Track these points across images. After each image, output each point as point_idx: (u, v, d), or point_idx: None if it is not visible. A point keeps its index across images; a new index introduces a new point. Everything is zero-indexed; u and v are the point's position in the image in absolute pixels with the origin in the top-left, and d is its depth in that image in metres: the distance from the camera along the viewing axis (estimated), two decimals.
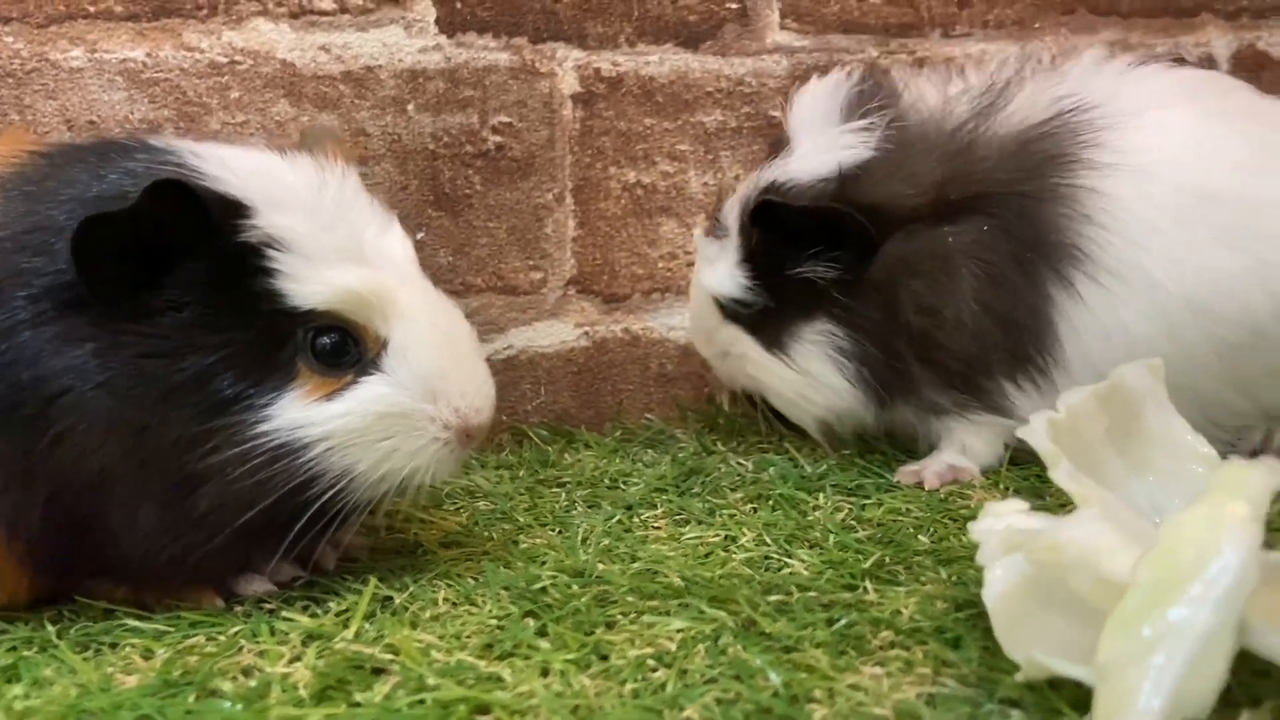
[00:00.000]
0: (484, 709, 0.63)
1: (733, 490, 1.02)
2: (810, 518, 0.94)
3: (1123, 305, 0.98)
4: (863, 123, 1.02)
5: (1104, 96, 1.03)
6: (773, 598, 0.76)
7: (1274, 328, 0.98)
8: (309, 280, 0.73)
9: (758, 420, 1.24)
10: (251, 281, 0.73)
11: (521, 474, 1.10)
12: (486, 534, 0.93)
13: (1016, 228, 1.00)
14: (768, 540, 0.89)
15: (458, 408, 0.78)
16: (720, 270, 1.07)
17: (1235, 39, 1.42)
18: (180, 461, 0.73)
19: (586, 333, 1.23)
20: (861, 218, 0.99)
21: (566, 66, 1.18)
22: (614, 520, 0.95)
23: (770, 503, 0.98)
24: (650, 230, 1.23)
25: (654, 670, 0.67)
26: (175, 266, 0.72)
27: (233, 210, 0.72)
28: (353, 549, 0.88)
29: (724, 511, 0.96)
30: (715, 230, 1.09)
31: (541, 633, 0.73)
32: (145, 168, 0.74)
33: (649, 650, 0.70)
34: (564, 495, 1.03)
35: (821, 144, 1.03)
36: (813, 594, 0.77)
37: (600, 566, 0.84)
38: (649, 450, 1.17)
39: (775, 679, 0.64)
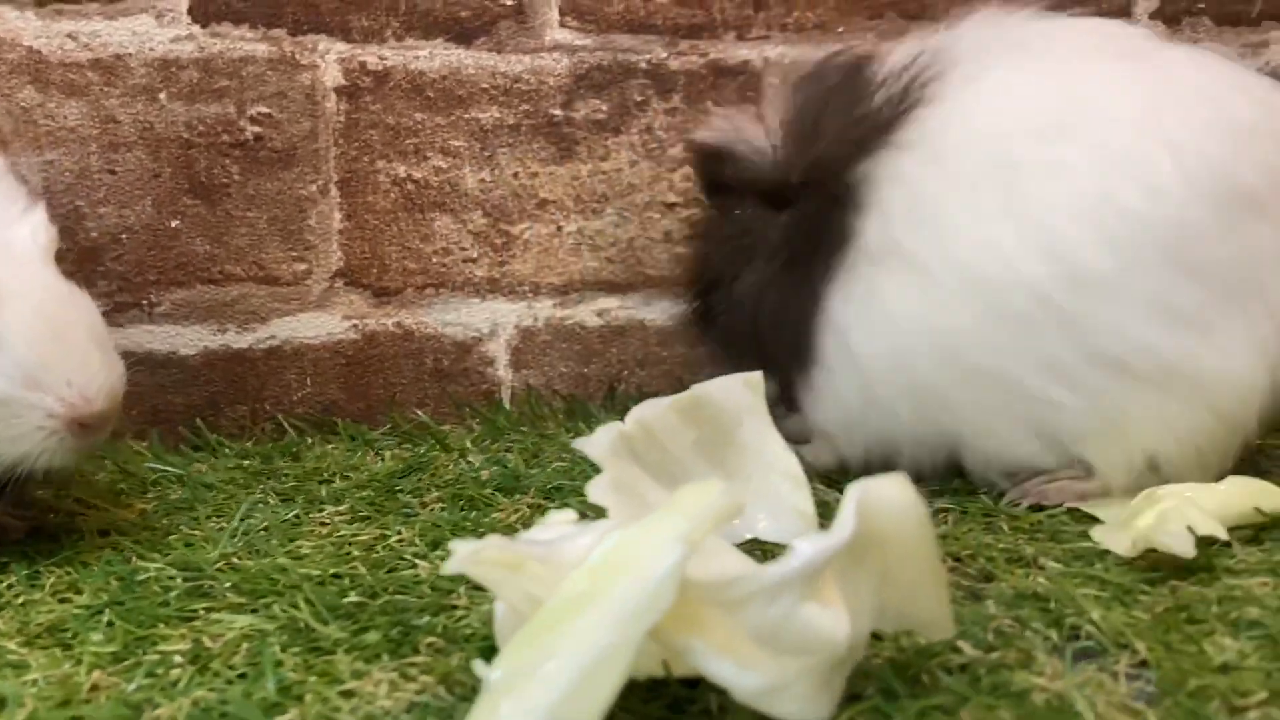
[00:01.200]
0: None
1: (436, 489, 1.02)
2: (488, 519, 0.94)
3: (895, 295, 0.93)
4: None
5: (960, 57, 0.96)
6: (352, 598, 0.76)
7: (1062, 298, 0.88)
8: None
9: (533, 418, 1.25)
10: None
11: (255, 464, 1.10)
12: (156, 524, 0.93)
13: (815, 216, 0.97)
14: (418, 541, 0.88)
15: (63, 397, 0.78)
16: None
17: None
18: None
19: (355, 325, 1.23)
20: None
21: (329, 59, 1.17)
22: (291, 514, 0.95)
23: (461, 503, 0.98)
24: (423, 225, 1.23)
25: (175, 668, 0.67)
26: None
27: None
28: (3, 531, 0.89)
29: (407, 510, 0.96)
30: None
31: (110, 625, 0.73)
32: None
33: (189, 647, 0.70)
34: (266, 487, 1.03)
35: None
36: (401, 598, 0.77)
37: (235, 561, 0.84)
38: (403, 446, 1.17)
39: (271, 685, 0.64)
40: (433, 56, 1.20)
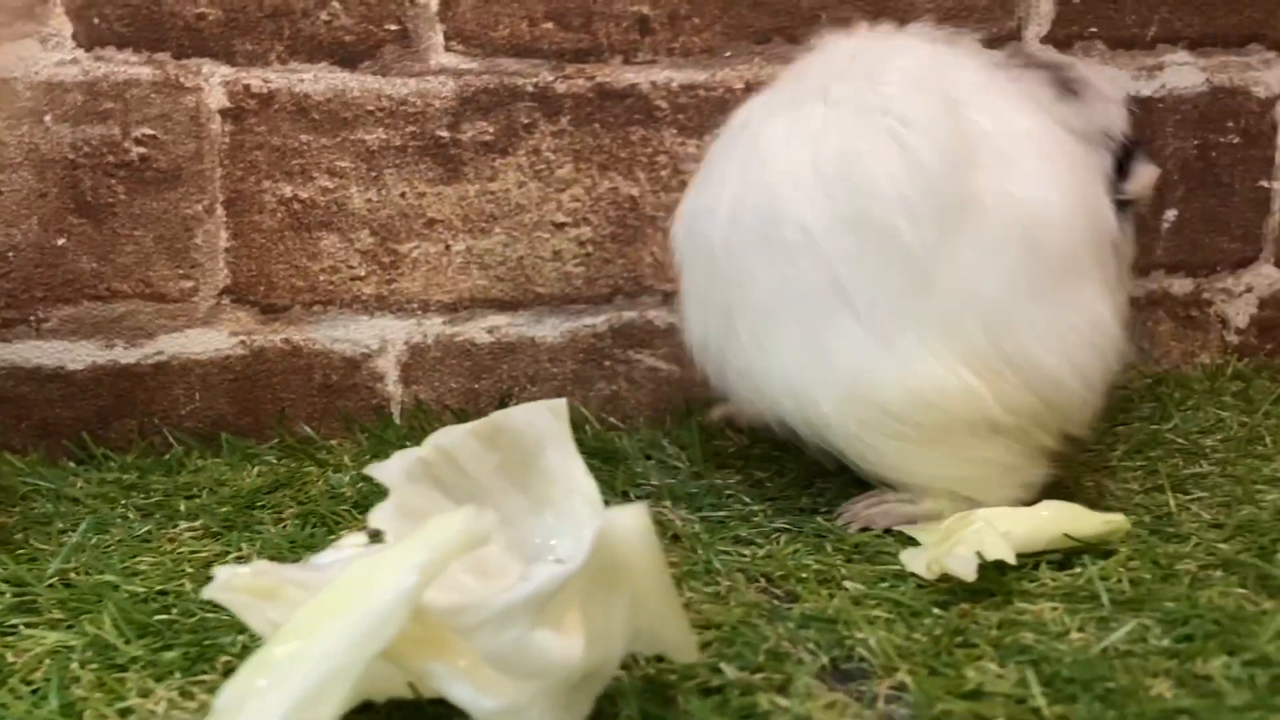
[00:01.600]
0: None
1: (298, 504, 1.04)
2: (331, 537, 0.96)
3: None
4: None
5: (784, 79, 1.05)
6: (168, 616, 0.79)
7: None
8: None
9: (422, 433, 1.27)
10: None
11: (131, 479, 1.13)
12: (10, 539, 0.96)
13: None
14: (260, 556, 0.91)
15: None
16: None
17: None
18: None
19: (243, 341, 1.25)
20: None
21: (214, 82, 1.20)
22: (144, 530, 0.97)
23: (313, 521, 1.00)
24: (310, 244, 1.25)
25: None
26: None
27: None
28: None
29: (257, 527, 0.98)
30: None
31: None
32: None
33: None
34: (132, 501, 1.05)
35: None
36: (214, 615, 0.79)
37: (71, 577, 0.87)
38: (282, 460, 1.19)
39: (55, 702, 0.67)
40: (317, 79, 1.23)
